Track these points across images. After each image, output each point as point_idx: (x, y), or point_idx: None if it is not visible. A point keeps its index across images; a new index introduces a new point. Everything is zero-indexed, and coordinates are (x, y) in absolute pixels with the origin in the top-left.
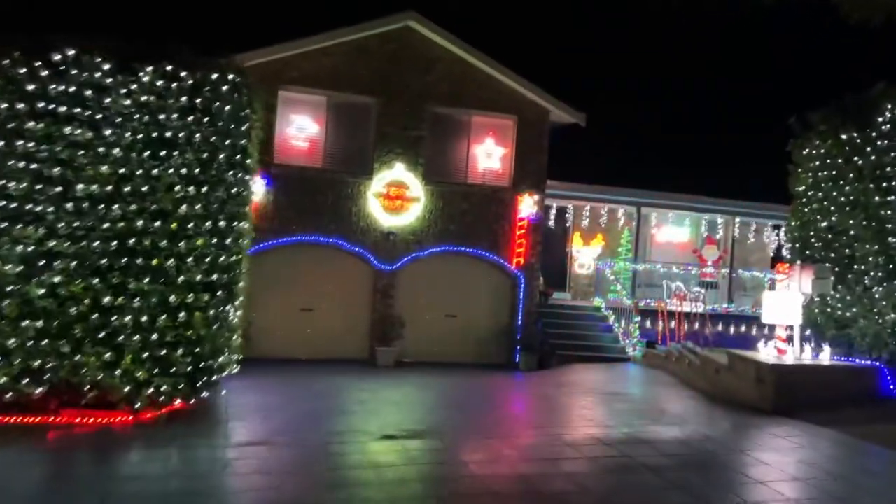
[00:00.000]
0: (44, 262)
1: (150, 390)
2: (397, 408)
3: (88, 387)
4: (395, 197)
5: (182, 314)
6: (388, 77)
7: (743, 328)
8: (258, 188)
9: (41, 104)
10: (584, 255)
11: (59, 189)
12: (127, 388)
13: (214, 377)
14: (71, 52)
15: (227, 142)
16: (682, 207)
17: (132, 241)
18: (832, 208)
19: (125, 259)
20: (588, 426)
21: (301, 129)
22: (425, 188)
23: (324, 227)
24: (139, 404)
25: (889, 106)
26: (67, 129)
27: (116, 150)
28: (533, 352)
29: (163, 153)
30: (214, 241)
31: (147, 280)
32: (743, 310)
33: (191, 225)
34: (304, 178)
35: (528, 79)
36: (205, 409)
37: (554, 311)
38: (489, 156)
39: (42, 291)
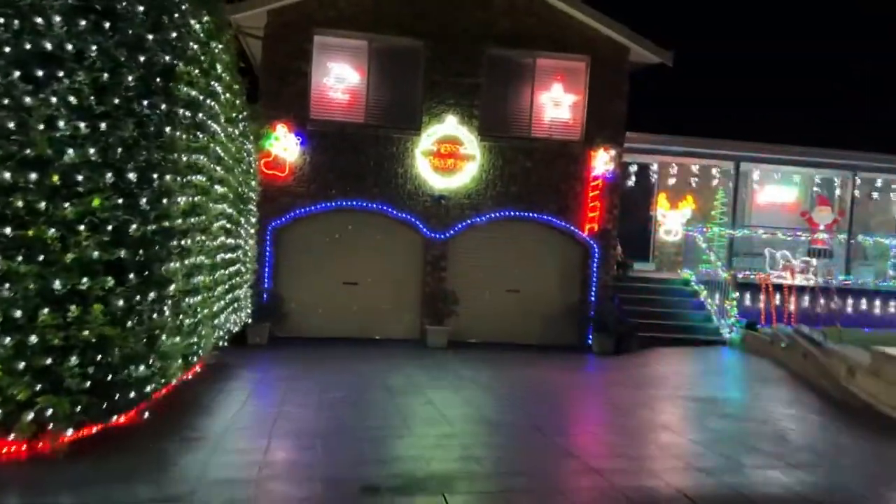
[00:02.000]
0: None
1: (32, 414)
2: (416, 423)
3: None
4: (446, 155)
5: (73, 307)
6: (437, 15)
7: (864, 305)
8: (292, 146)
9: None
10: (671, 220)
11: None
12: None
13: (132, 394)
14: None
15: (142, 57)
16: (789, 162)
17: None
18: None
19: None
20: (671, 466)
21: (340, 79)
22: (481, 144)
23: (367, 191)
24: (17, 433)
25: None
26: None
27: None
28: (608, 333)
29: (39, 73)
30: (120, 201)
31: (19, 259)
32: (864, 283)
33: (81, 178)
34: (343, 136)
35: (603, 11)
36: (156, 424)
37: (634, 286)
38: (557, 105)
39: None
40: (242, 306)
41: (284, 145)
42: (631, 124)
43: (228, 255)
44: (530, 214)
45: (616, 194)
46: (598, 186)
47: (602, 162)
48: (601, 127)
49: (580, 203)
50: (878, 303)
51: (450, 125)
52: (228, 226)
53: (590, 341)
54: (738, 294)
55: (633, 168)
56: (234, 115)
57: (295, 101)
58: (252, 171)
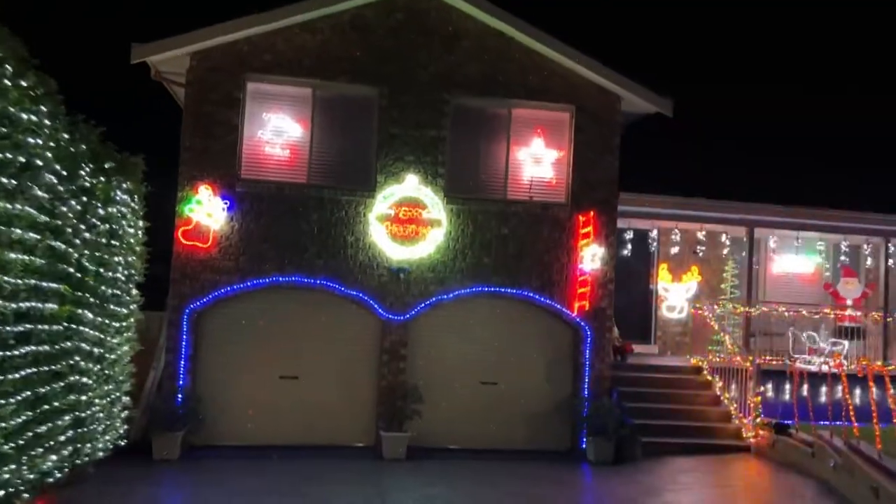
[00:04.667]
0: None
1: None
2: None
3: None
4: (406, 220)
5: None
6: (394, 58)
7: None
8: (217, 212)
9: None
10: (675, 295)
11: None
12: None
13: None
14: None
15: None
16: (811, 228)
17: None
18: None
19: None
20: None
21: (278, 132)
22: (448, 208)
23: (309, 264)
24: None
25: None
26: None
27: None
28: (606, 436)
29: None
30: None
31: None
32: None
33: None
34: (281, 198)
35: (591, 55)
36: None
37: (635, 376)
38: (537, 162)
39: None
40: (102, 428)
41: (208, 210)
42: (626, 184)
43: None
44: (508, 290)
45: (611, 265)
46: (588, 257)
47: (592, 228)
48: (590, 187)
49: (568, 276)
50: None
51: (410, 185)
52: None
53: (584, 446)
54: (761, 386)
55: (629, 234)
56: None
57: (223, 157)
58: (127, 242)
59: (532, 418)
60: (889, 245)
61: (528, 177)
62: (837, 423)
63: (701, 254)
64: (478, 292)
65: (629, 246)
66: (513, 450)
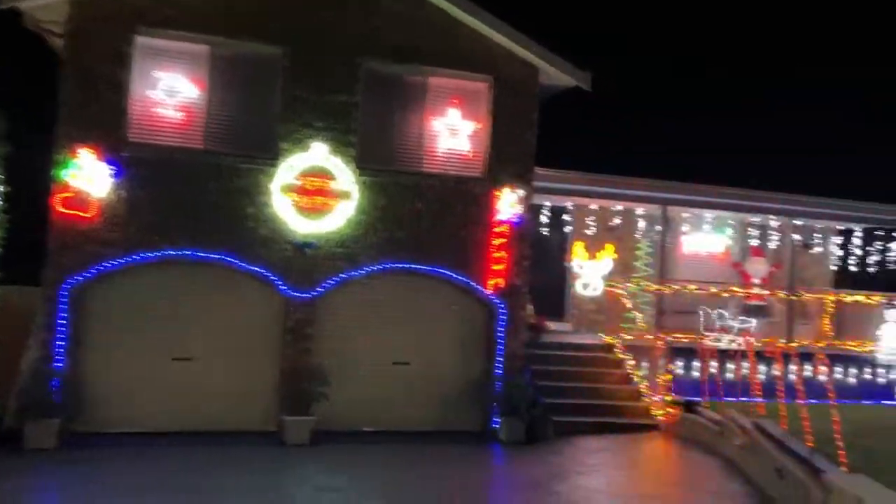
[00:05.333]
0: None
1: None
2: None
3: None
4: (314, 192)
5: None
6: (302, 17)
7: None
8: (101, 178)
9: None
10: (590, 272)
11: None
12: None
13: None
14: None
15: None
16: (723, 207)
17: None
18: None
19: None
20: None
21: (171, 92)
22: (360, 180)
23: (205, 237)
24: None
25: None
26: None
27: None
28: (519, 416)
29: None
30: None
31: None
32: (806, 346)
33: None
34: (174, 165)
35: (515, 26)
36: None
37: (549, 354)
38: (454, 134)
39: None
40: None
41: (90, 176)
42: (543, 159)
43: None
44: (421, 267)
45: (526, 242)
46: (504, 233)
47: (509, 204)
48: (507, 162)
49: (483, 253)
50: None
51: (318, 154)
52: None
53: (496, 426)
54: (671, 364)
55: (546, 211)
56: None
57: (107, 118)
58: None
59: (445, 398)
60: (794, 223)
61: (445, 149)
62: (744, 399)
63: (616, 231)
64: (390, 269)
65: (545, 222)
66: (424, 431)
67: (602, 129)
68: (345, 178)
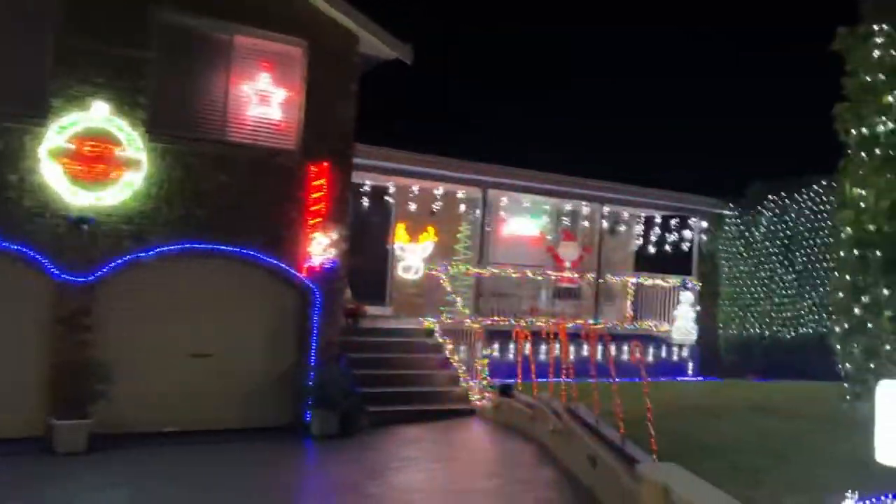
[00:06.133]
0: None
1: None
2: None
3: None
4: (93, 158)
5: None
6: None
7: (618, 352)
8: None
9: None
10: (411, 255)
11: None
12: None
13: None
14: None
15: None
16: (541, 192)
17: None
18: None
19: None
20: None
21: None
22: (151, 146)
23: None
24: None
25: None
26: None
27: None
28: (332, 408)
29: None
30: None
31: None
32: (612, 326)
33: None
34: None
35: None
36: None
37: (368, 341)
38: (264, 101)
39: None
40: None
41: None
42: (366, 136)
43: None
44: (226, 248)
45: (345, 222)
46: (320, 212)
47: (326, 180)
48: (324, 135)
49: (297, 233)
50: (626, 349)
51: (99, 115)
52: None
53: (308, 419)
54: (489, 347)
55: (367, 189)
56: None
57: None
58: None
59: (252, 392)
60: (604, 210)
61: (255, 117)
62: (557, 379)
63: (438, 214)
64: (188, 249)
65: (365, 202)
66: (228, 429)
67: (429, 108)
68: (132, 144)
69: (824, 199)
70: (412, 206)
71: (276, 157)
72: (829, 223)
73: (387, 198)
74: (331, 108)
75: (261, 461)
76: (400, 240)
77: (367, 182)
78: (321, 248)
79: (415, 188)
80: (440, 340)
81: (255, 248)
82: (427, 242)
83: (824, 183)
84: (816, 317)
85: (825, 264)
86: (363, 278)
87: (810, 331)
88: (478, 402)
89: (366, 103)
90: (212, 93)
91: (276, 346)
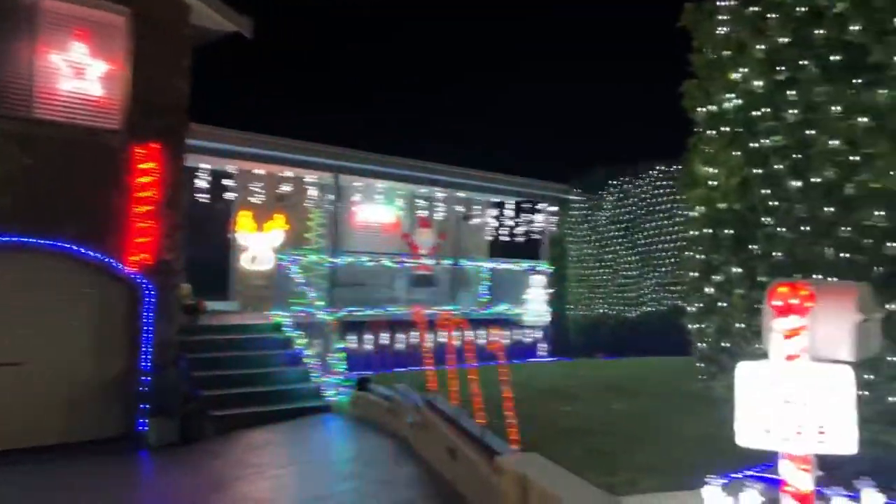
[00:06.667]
0: None
1: None
2: None
3: None
4: None
5: None
6: None
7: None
8: None
9: None
10: (258, 245)
11: None
12: None
13: None
14: None
15: None
16: (394, 177)
17: None
18: None
19: None
20: None
21: None
22: None
23: None
24: None
25: None
26: None
27: None
28: (170, 414)
29: None
30: None
31: None
32: (468, 312)
33: None
34: None
35: None
36: None
37: (209, 339)
38: (80, 74)
39: None
40: None
41: None
42: (204, 116)
43: None
44: (35, 241)
45: (180, 210)
46: (151, 199)
47: (157, 164)
48: (153, 113)
49: (123, 223)
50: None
51: None
52: None
53: (144, 428)
54: (344, 340)
55: (205, 174)
56: None
57: None
58: None
59: (76, 402)
60: (458, 195)
61: (68, 91)
62: (416, 368)
63: (286, 200)
64: None
65: (203, 188)
66: (48, 445)
67: (275, 87)
68: None
69: (662, 183)
70: (257, 192)
71: (96, 136)
72: (666, 206)
73: (228, 181)
74: (161, 84)
75: (85, 478)
76: (244, 228)
77: (206, 165)
78: (152, 238)
79: (260, 172)
80: (291, 335)
81: (72, 240)
82: (275, 231)
83: (662, 168)
84: (658, 296)
85: (664, 245)
86: (204, 271)
87: (652, 309)
88: (332, 398)
89: (206, 82)
90: (13, 62)
91: (102, 350)
